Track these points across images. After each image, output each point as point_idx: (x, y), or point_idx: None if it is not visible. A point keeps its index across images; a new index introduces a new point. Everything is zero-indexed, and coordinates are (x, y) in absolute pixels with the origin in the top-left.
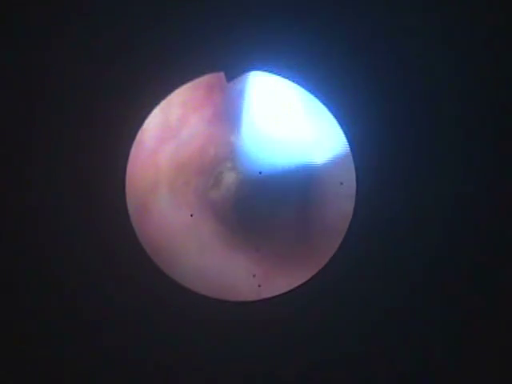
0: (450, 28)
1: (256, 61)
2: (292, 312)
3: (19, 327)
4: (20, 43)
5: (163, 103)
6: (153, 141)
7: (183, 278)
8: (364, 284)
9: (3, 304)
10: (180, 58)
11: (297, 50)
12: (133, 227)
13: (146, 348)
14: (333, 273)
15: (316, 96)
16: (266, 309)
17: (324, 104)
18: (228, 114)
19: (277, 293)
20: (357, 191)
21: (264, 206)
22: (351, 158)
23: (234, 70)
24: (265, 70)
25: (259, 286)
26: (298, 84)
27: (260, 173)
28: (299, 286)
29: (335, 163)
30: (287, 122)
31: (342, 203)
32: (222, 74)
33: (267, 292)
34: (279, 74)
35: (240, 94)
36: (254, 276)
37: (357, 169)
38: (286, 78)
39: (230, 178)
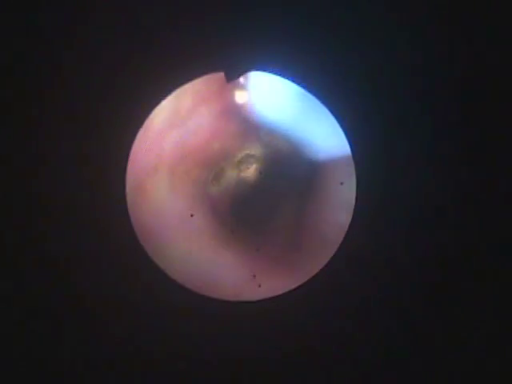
0: (450, 28)
1: (256, 61)
2: (292, 312)
3: (19, 327)
4: (20, 43)
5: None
6: (160, 125)
7: (175, 273)
8: (365, 283)
9: (2, 304)
10: (180, 58)
11: (297, 50)
12: (127, 208)
13: (145, 348)
14: (333, 273)
15: (316, 96)
16: (266, 309)
17: (324, 104)
18: (234, 113)
19: (277, 293)
20: (357, 191)
21: (264, 205)
22: (351, 158)
23: (234, 70)
24: (265, 70)
25: (259, 286)
26: (298, 84)
27: (260, 173)
28: (299, 286)
29: (335, 163)
30: (287, 122)
31: (342, 203)
32: (222, 74)
33: (267, 292)
34: (279, 74)
35: (241, 94)
36: (254, 276)
37: (357, 169)
38: (286, 78)
39: (230, 175)
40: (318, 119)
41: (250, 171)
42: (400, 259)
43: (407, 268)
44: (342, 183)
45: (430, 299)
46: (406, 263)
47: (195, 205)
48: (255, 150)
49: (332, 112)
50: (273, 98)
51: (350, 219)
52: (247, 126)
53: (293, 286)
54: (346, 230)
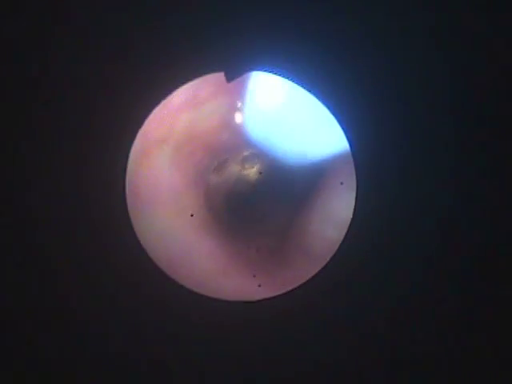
0: (451, 28)
1: (256, 61)
2: (292, 312)
3: (18, 326)
4: (20, 42)
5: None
6: (178, 104)
7: (175, 272)
8: (365, 283)
9: (3, 306)
10: (180, 58)
11: (297, 50)
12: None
13: (145, 348)
14: (333, 272)
15: (316, 96)
16: (266, 309)
17: (324, 104)
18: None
19: (277, 293)
20: (357, 191)
21: (263, 205)
22: (351, 157)
23: (234, 70)
24: (265, 70)
25: (259, 285)
26: (298, 84)
27: (260, 173)
28: (299, 286)
29: (335, 163)
30: (287, 122)
31: (341, 203)
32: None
33: (267, 292)
34: (279, 74)
35: (242, 94)
36: (254, 276)
37: (357, 169)
38: (286, 78)
39: (233, 169)
40: (318, 119)
41: (253, 170)
42: (400, 259)
43: (407, 268)
44: (341, 183)
45: (430, 299)
46: (407, 263)
47: (191, 190)
48: (260, 150)
49: (332, 112)
50: (272, 97)
51: (350, 219)
52: (253, 125)
53: (293, 286)
54: (346, 229)
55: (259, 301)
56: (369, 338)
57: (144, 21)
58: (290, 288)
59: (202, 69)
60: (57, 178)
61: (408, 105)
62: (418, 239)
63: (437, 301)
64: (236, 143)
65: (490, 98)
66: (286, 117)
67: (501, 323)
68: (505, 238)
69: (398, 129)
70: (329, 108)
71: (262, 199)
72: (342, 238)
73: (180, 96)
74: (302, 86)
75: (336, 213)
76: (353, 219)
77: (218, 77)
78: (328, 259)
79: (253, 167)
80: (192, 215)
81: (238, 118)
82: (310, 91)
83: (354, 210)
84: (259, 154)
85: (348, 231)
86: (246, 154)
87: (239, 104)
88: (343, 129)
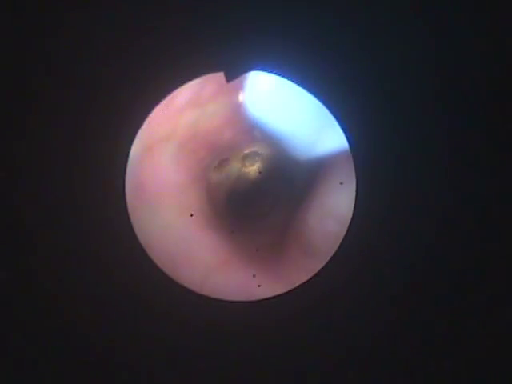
0: (451, 28)
1: (256, 61)
2: (292, 312)
3: (18, 327)
4: (20, 42)
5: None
6: (182, 102)
7: (175, 272)
8: (365, 282)
9: (3, 301)
10: (180, 58)
11: (297, 50)
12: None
13: (145, 348)
14: (333, 272)
15: (316, 96)
16: (266, 309)
17: (324, 104)
18: (244, 110)
19: (277, 293)
20: (357, 191)
21: (263, 205)
22: (351, 157)
23: (234, 69)
24: (265, 70)
25: (259, 285)
26: (298, 84)
27: (260, 173)
28: (299, 286)
29: (335, 163)
30: (287, 122)
31: (341, 203)
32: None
33: (267, 292)
34: (279, 74)
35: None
36: (253, 276)
37: (357, 169)
38: (286, 77)
39: (234, 167)
40: (318, 119)
41: (253, 168)
42: (400, 258)
43: (408, 267)
44: (341, 183)
45: (431, 299)
46: (407, 263)
47: (193, 187)
48: (261, 148)
49: (332, 112)
50: (272, 97)
51: (350, 219)
52: (254, 124)
53: (293, 286)
54: (346, 229)
55: (259, 301)
56: (369, 338)
57: (144, 21)
58: (289, 288)
59: (202, 69)
60: (56, 178)
61: (408, 105)
62: (418, 239)
63: (437, 298)
64: (237, 142)
65: (491, 97)
66: (287, 116)
67: (501, 323)
68: (505, 238)
69: (399, 129)
70: (329, 108)
71: (262, 197)
72: (342, 238)
73: (184, 95)
74: (302, 86)
75: (336, 213)
76: (353, 219)
77: (218, 77)
78: (328, 260)
79: (253, 165)
80: (192, 215)
81: (240, 117)
82: (310, 91)
83: (354, 209)
84: (260, 153)
85: (348, 231)
86: (246, 152)
87: (240, 103)
88: (343, 129)
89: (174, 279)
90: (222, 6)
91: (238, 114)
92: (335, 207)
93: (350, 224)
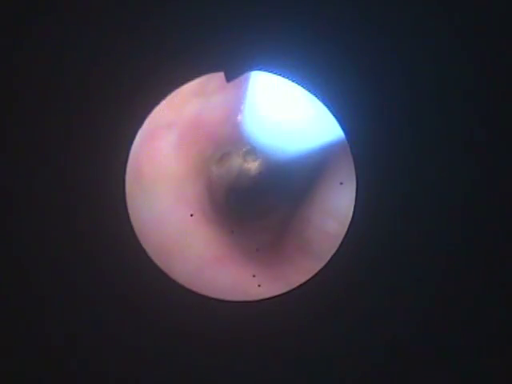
0: (451, 27)
1: (256, 61)
2: (292, 312)
3: (19, 327)
4: (20, 42)
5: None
6: (187, 94)
7: (175, 272)
8: (365, 282)
9: (5, 307)
10: (180, 58)
11: (297, 50)
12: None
13: (145, 348)
14: (333, 272)
15: (316, 96)
16: (266, 309)
17: (324, 104)
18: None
19: (277, 293)
20: (357, 191)
21: (263, 204)
22: (351, 157)
23: (234, 69)
24: (265, 70)
25: (259, 285)
26: (298, 84)
27: (260, 172)
28: (299, 286)
29: (335, 163)
30: (287, 122)
31: (341, 203)
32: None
33: (267, 292)
34: (279, 74)
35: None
36: (253, 276)
37: (357, 169)
38: (286, 77)
39: (235, 162)
40: (318, 119)
41: (254, 165)
42: (400, 258)
43: (408, 267)
44: (341, 183)
45: (431, 299)
46: (407, 263)
47: (193, 179)
48: (262, 147)
49: (332, 112)
50: (272, 97)
51: (350, 219)
52: (254, 124)
53: (293, 286)
54: (346, 229)
55: (259, 301)
56: (369, 338)
57: (144, 21)
58: (289, 288)
59: (202, 69)
60: (56, 178)
61: (408, 105)
62: (418, 239)
63: (438, 298)
64: (239, 137)
65: (491, 96)
66: (287, 115)
67: (501, 322)
68: (505, 238)
69: (399, 129)
70: (329, 108)
71: (262, 194)
72: (342, 238)
73: (189, 87)
74: (302, 86)
75: (336, 213)
76: (353, 219)
77: (219, 76)
78: (328, 259)
79: (254, 161)
80: (192, 215)
81: (241, 114)
82: (310, 91)
83: (354, 209)
84: (261, 150)
85: (348, 231)
86: (248, 148)
87: (242, 102)
88: (343, 129)
89: (174, 279)
90: (222, 5)
91: (239, 112)
92: (335, 207)
93: (350, 224)
